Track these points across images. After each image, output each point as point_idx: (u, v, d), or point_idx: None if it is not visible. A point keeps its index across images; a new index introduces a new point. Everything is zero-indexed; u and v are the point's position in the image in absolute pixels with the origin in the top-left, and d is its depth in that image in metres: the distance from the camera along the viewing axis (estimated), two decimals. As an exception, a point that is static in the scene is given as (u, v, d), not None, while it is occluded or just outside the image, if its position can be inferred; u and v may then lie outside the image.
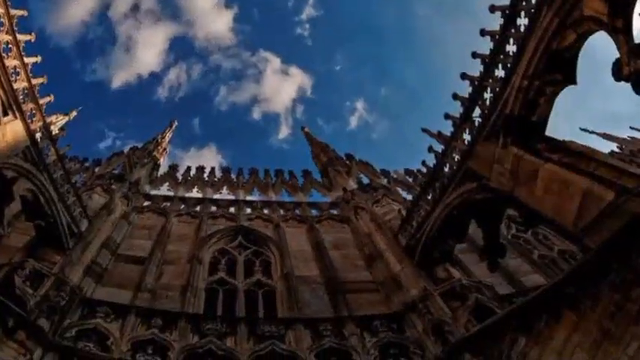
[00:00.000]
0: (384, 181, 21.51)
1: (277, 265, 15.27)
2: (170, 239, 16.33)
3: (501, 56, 10.42)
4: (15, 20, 12.03)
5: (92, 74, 72.65)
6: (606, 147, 28.83)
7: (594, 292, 7.69)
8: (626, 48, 7.12)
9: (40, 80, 13.02)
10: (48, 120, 13.78)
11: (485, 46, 10.87)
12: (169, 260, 14.95)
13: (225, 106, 75.61)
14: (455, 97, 12.00)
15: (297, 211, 19.58)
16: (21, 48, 12.15)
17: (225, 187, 23.07)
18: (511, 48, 10.09)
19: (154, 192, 21.18)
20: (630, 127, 31.31)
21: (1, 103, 11.35)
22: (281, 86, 79.95)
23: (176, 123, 30.84)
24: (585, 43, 8.61)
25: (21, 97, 12.04)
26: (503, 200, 10.44)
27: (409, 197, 17.44)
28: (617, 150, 28.84)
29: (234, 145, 75.98)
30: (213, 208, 19.25)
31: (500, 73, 10.44)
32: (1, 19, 11.72)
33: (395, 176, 23.40)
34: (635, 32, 7.18)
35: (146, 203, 19.16)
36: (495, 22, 10.52)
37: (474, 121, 11.42)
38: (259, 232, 17.32)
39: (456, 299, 11.37)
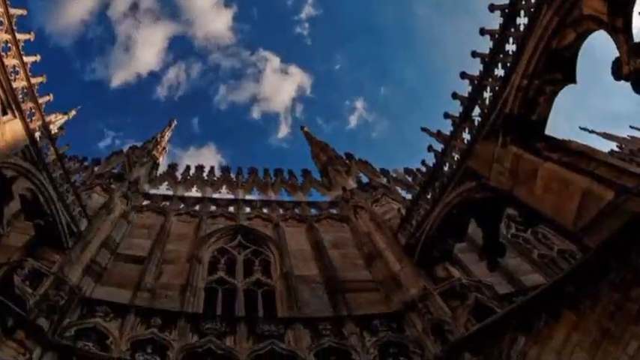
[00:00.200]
0: (384, 181, 21.52)
1: (277, 265, 15.27)
2: (169, 238, 16.33)
3: (501, 55, 10.41)
4: (14, 19, 12.00)
5: (91, 73, 72.72)
6: (606, 146, 28.96)
7: (594, 291, 7.70)
8: (625, 47, 7.12)
9: (39, 79, 13.00)
10: (47, 119, 13.73)
11: (485, 45, 10.88)
12: (169, 259, 14.95)
13: (224, 105, 75.58)
14: (454, 96, 11.99)
15: (296, 211, 19.59)
16: (20, 47, 12.13)
17: (224, 187, 23.06)
18: (511, 47, 10.08)
19: (153, 191, 21.16)
20: (630, 127, 31.47)
21: (0, 102, 11.33)
22: (280, 85, 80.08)
23: (175, 122, 30.88)
24: (585, 42, 8.61)
25: (20, 96, 12.02)
26: (503, 199, 10.44)
27: (409, 196, 17.45)
28: (616, 149, 28.88)
29: (234, 144, 76.00)
30: (213, 208, 19.24)
31: (499, 72, 10.43)
32: (1, 18, 11.69)
33: (394, 175, 23.41)
34: (634, 31, 7.20)
35: (145, 202, 19.15)
36: (495, 21, 10.53)
37: (473, 120, 11.42)
38: (259, 232, 17.31)
39: (455, 298, 11.37)
